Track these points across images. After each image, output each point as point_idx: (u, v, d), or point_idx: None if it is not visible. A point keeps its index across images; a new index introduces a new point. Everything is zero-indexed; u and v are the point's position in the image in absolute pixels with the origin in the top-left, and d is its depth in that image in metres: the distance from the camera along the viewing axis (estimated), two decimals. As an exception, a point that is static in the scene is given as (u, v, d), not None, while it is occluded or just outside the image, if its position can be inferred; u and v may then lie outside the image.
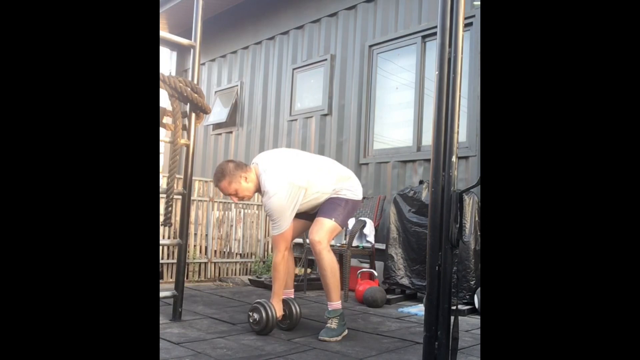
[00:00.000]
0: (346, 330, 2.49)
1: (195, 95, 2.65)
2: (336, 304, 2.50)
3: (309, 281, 3.99)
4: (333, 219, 2.54)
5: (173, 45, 7.36)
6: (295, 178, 2.47)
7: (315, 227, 2.53)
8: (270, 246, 4.89)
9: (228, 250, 4.65)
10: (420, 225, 3.59)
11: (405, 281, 3.69)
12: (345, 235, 3.78)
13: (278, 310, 2.53)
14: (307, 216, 2.68)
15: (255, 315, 2.46)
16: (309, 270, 4.13)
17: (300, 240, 4.04)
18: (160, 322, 2.59)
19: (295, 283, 3.67)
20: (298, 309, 2.61)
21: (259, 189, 2.55)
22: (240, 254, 4.71)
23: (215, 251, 4.55)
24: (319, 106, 5.25)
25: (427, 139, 4.27)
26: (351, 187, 2.64)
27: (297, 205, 2.49)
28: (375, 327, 2.77)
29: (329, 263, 2.50)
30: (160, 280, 4.03)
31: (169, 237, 4.04)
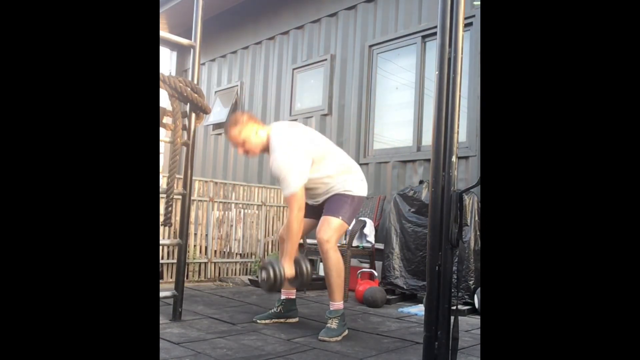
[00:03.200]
0: (346, 331, 2.49)
1: (195, 95, 2.65)
2: (338, 304, 2.50)
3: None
4: (340, 217, 2.53)
5: (173, 45, 7.36)
6: (305, 144, 2.48)
7: (323, 225, 2.52)
8: (270, 246, 4.89)
9: (228, 250, 4.64)
10: (420, 225, 3.59)
11: (399, 282, 3.69)
12: (346, 235, 3.78)
13: (289, 270, 2.46)
14: (310, 212, 2.67)
15: (264, 274, 2.45)
16: (309, 270, 4.12)
17: (300, 241, 4.04)
18: (160, 322, 2.59)
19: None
20: (309, 267, 2.54)
21: (266, 149, 2.54)
22: (240, 254, 4.71)
23: (215, 251, 4.55)
24: (319, 106, 5.25)
25: (427, 139, 4.27)
26: (357, 181, 2.64)
27: (306, 171, 2.46)
28: (375, 327, 2.77)
29: (335, 263, 2.50)
30: (160, 280, 4.03)
31: (169, 237, 4.03)
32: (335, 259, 2.50)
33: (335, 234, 2.52)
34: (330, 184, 2.58)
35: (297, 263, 2.54)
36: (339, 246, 3.66)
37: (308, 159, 2.47)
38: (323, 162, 2.54)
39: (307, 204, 2.66)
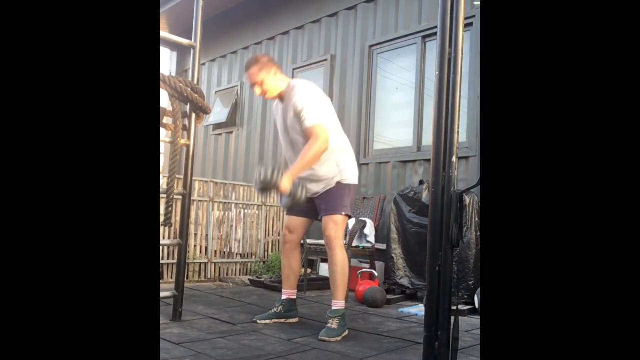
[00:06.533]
0: (346, 331, 2.49)
1: (195, 95, 2.65)
2: (340, 303, 2.51)
3: (309, 281, 3.99)
4: (343, 213, 2.56)
5: (173, 45, 7.36)
6: (325, 101, 2.59)
7: (329, 224, 2.54)
8: (270, 246, 4.89)
9: (228, 250, 4.64)
10: (421, 225, 3.59)
11: (404, 281, 3.71)
12: (346, 235, 3.78)
13: (285, 182, 2.35)
14: (303, 212, 2.68)
15: (261, 171, 2.35)
16: (309, 270, 4.13)
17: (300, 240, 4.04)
18: (160, 322, 2.59)
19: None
20: (303, 193, 2.42)
21: (282, 96, 2.59)
22: (240, 254, 4.71)
23: (215, 251, 4.55)
24: (319, 106, 5.24)
25: (427, 139, 4.27)
26: (352, 165, 2.65)
27: (328, 119, 2.52)
28: (375, 327, 2.77)
29: (341, 260, 2.52)
30: (160, 280, 4.03)
31: (169, 237, 4.04)
32: (341, 256, 2.52)
33: (341, 228, 2.57)
34: (332, 161, 2.54)
35: (294, 185, 2.42)
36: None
37: (329, 110, 2.56)
38: (333, 132, 2.57)
39: (299, 204, 2.63)
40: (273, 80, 2.54)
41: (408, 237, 3.71)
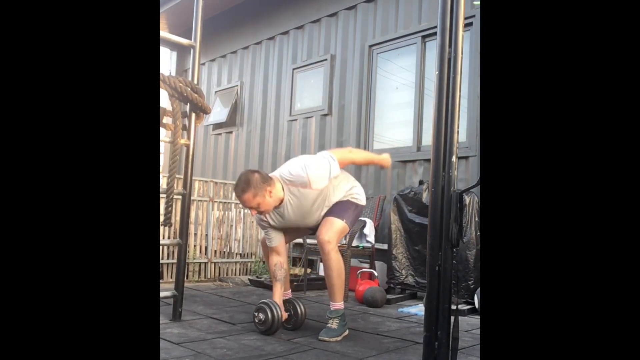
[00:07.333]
0: (347, 331, 2.49)
1: (195, 95, 2.65)
2: (339, 304, 2.51)
3: (309, 281, 3.99)
4: (344, 220, 2.54)
5: (173, 45, 7.36)
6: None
7: (325, 226, 2.52)
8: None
9: (228, 250, 4.64)
10: (422, 225, 3.60)
11: (409, 280, 3.73)
12: (345, 235, 3.79)
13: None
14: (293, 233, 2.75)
15: (261, 315, 2.45)
16: (309, 270, 4.13)
17: (300, 241, 4.04)
18: (160, 322, 2.59)
19: (295, 283, 3.68)
20: (303, 309, 2.61)
21: (279, 204, 2.47)
22: (240, 254, 4.71)
23: (215, 251, 4.55)
24: (319, 106, 5.25)
25: (427, 139, 4.27)
26: (359, 192, 2.68)
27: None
28: (375, 327, 2.77)
29: (336, 264, 2.50)
30: (160, 280, 4.03)
31: (169, 237, 4.03)
32: (336, 260, 2.50)
33: (337, 235, 2.52)
34: (343, 195, 2.62)
35: (290, 303, 2.61)
36: (338, 246, 3.69)
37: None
38: (340, 180, 2.60)
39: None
40: (269, 199, 2.38)
41: (411, 237, 3.71)
